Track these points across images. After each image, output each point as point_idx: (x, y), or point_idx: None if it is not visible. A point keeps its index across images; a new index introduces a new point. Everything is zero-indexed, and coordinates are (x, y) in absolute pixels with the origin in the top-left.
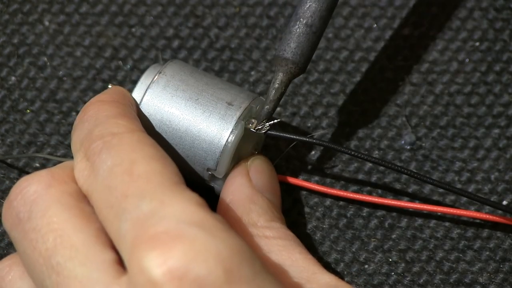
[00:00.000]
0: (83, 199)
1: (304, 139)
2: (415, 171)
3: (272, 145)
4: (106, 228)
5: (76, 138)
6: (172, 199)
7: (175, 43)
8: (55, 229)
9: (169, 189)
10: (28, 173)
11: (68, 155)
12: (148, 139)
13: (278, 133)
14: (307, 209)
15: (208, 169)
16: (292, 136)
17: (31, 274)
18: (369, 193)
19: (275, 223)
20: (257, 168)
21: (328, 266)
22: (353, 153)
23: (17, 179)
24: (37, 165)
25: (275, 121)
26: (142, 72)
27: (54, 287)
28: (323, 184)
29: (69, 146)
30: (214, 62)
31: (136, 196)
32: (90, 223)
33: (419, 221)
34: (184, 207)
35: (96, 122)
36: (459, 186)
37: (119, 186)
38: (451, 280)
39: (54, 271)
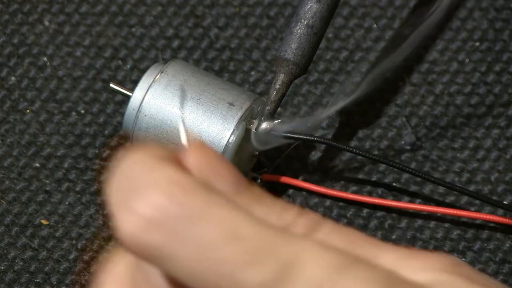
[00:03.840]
0: None
1: (305, 137)
2: (416, 169)
3: None
4: None
5: None
6: None
7: (175, 43)
8: None
9: None
10: (26, 174)
11: (68, 155)
12: None
13: (278, 133)
14: (307, 210)
15: None
16: (292, 136)
17: None
18: (369, 194)
19: None
20: None
21: None
22: (354, 150)
23: (17, 179)
24: (37, 164)
25: (276, 121)
26: (142, 72)
27: None
28: (323, 185)
29: (68, 146)
30: (214, 62)
31: None
32: None
33: (419, 221)
34: None
35: None
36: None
37: None
38: None
39: None
